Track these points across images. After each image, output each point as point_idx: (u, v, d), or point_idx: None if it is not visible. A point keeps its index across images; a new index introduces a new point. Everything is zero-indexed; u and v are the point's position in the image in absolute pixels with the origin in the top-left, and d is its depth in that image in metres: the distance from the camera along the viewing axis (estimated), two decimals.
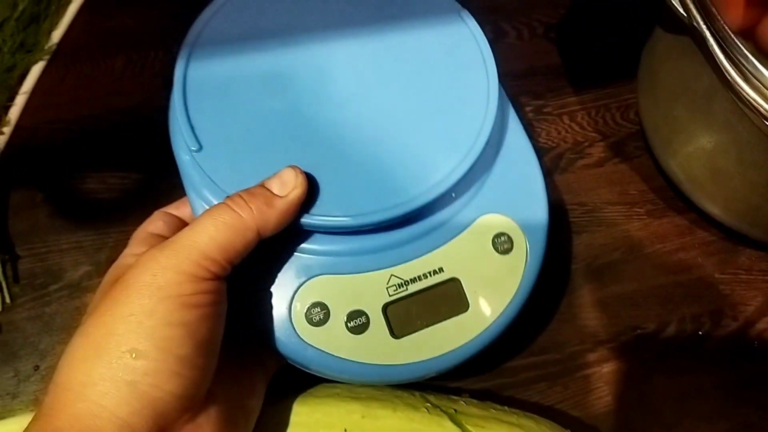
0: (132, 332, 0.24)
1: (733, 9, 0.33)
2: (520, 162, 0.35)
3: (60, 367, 0.25)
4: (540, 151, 0.40)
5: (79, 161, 0.46)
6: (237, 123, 0.31)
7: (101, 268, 0.43)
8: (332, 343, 0.30)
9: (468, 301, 0.32)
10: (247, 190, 0.28)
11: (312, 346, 0.30)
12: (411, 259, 0.31)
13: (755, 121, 0.31)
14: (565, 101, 0.49)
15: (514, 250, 0.32)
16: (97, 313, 0.25)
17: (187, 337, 0.25)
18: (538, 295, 0.33)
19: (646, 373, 0.41)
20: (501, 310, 0.32)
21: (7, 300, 0.42)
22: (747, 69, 0.30)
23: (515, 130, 0.36)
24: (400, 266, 0.31)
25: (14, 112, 0.47)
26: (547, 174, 0.46)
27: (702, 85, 0.35)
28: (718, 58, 0.31)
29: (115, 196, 0.45)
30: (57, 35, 0.49)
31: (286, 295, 0.30)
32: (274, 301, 0.31)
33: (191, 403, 0.25)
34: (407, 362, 0.31)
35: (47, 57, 0.49)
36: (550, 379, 0.41)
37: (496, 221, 0.33)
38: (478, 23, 0.35)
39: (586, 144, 0.47)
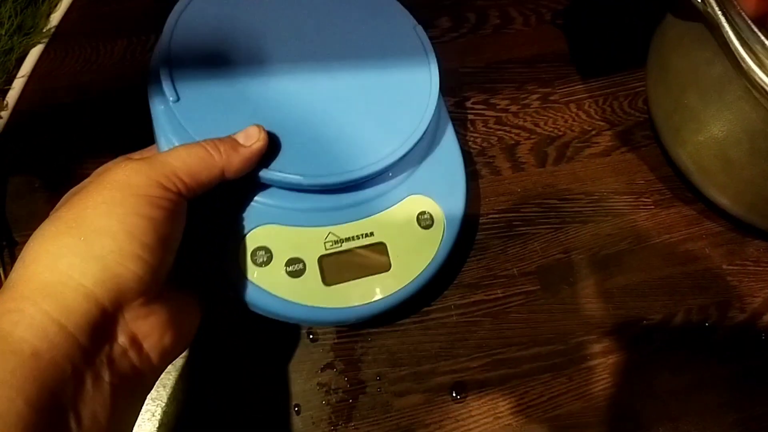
0: (103, 215, 0.27)
1: None
2: (448, 157, 0.41)
3: (29, 245, 0.27)
4: (466, 153, 0.42)
5: (78, 147, 0.45)
6: (213, 83, 0.36)
7: None
8: (271, 282, 0.35)
9: (391, 263, 0.37)
10: (217, 138, 0.32)
11: (254, 283, 0.35)
12: (348, 222, 0.37)
13: None
14: (572, 89, 0.48)
15: (433, 226, 0.39)
16: (68, 204, 0.28)
17: (151, 229, 0.27)
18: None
19: (652, 365, 0.41)
20: (417, 274, 0.38)
21: None
22: (763, 55, 0.29)
23: (448, 132, 0.42)
24: (337, 226, 0.37)
25: (12, 96, 0.46)
26: (554, 163, 0.46)
27: (715, 73, 0.34)
28: (733, 44, 0.30)
29: None
30: (56, 18, 0.48)
31: (237, 237, 0.35)
32: (226, 240, 0.35)
33: (148, 287, 0.27)
34: (334, 306, 0.36)
35: (46, 40, 0.48)
36: (554, 370, 0.40)
37: (423, 201, 0.39)
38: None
39: (594, 132, 0.47)
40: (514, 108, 0.47)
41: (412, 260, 0.38)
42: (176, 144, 0.34)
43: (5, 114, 0.45)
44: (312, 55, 0.38)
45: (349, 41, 0.40)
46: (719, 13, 0.31)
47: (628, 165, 0.46)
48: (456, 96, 0.47)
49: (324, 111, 0.37)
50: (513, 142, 0.46)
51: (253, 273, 0.35)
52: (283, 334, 0.40)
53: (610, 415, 0.39)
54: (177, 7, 0.38)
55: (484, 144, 0.46)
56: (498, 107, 0.47)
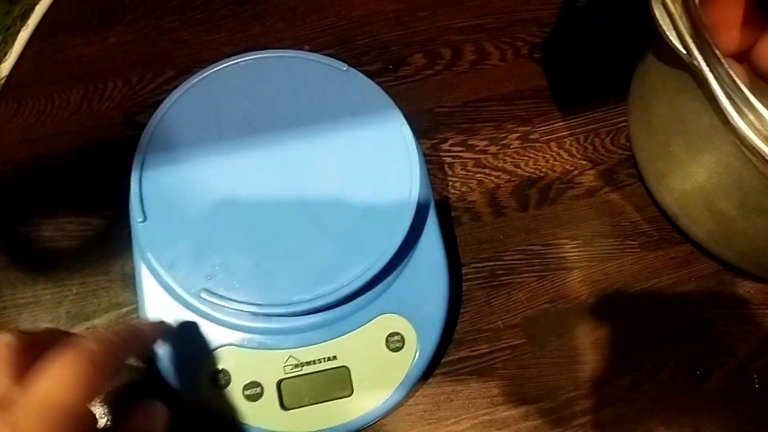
0: None
1: (727, 31, 0.32)
2: (428, 267, 0.38)
3: None
4: (449, 257, 0.39)
5: (33, 206, 0.43)
6: (180, 205, 0.36)
7: (61, 323, 0.40)
8: (229, 406, 0.35)
9: (353, 388, 0.36)
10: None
11: (211, 406, 0.35)
12: (309, 345, 0.36)
13: (760, 167, 0.29)
14: (552, 126, 0.46)
15: (404, 349, 0.37)
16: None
17: None
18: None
19: (643, 418, 0.39)
20: (381, 400, 0.36)
21: None
22: (754, 117, 0.28)
23: (431, 235, 0.39)
24: (298, 349, 0.36)
25: None
26: (536, 206, 0.44)
27: (702, 125, 0.33)
28: (720, 101, 0.29)
29: (75, 244, 0.42)
30: (6, 67, 0.46)
31: (196, 358, 0.36)
32: (185, 360, 0.36)
33: None
34: (292, 431, 0.35)
35: None
36: (544, 430, 0.38)
37: (393, 321, 0.37)
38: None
39: (576, 172, 0.45)
40: (493, 149, 0.45)
41: (376, 386, 0.36)
42: (146, 259, 0.36)
43: None
44: (286, 164, 0.37)
45: (327, 144, 0.38)
46: (706, 69, 0.29)
47: (612, 206, 0.44)
48: (432, 138, 0.45)
49: (291, 228, 0.36)
50: (493, 185, 0.44)
51: (212, 395, 0.35)
52: None
53: None
54: (149, 125, 0.38)
55: (464, 188, 0.44)
56: (477, 148, 0.45)
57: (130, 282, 0.40)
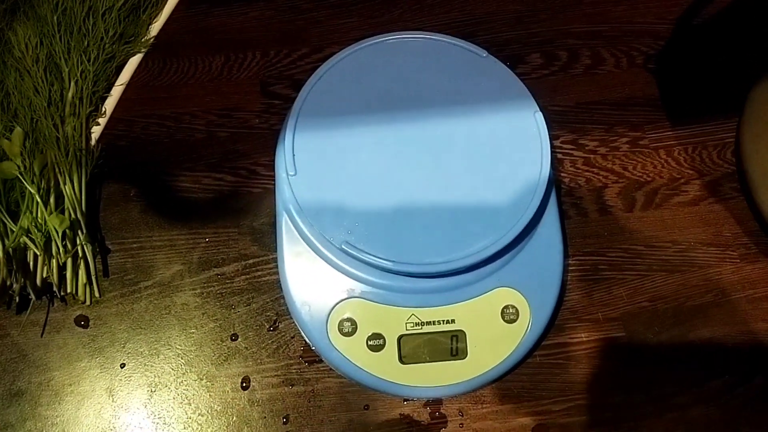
0: None
1: None
2: (547, 248, 0.41)
3: None
4: (567, 239, 0.42)
5: (173, 158, 0.46)
6: (328, 162, 0.39)
7: (193, 268, 0.43)
8: (353, 352, 0.38)
9: (467, 351, 0.38)
10: None
11: (337, 350, 0.38)
12: (431, 306, 0.39)
13: None
14: (662, 135, 0.48)
15: (518, 321, 0.39)
16: None
17: None
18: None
19: (732, 420, 0.40)
20: (492, 366, 0.38)
21: (96, 294, 0.42)
22: None
23: (551, 219, 0.41)
24: (421, 309, 0.39)
25: (110, 104, 0.47)
26: (642, 208, 0.46)
27: None
28: None
29: (209, 197, 0.45)
30: (155, 28, 0.49)
31: (327, 306, 0.39)
32: (317, 307, 0.39)
33: None
34: (406, 384, 0.38)
35: (145, 50, 0.49)
36: (635, 420, 0.40)
37: (510, 295, 0.39)
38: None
39: (682, 181, 0.47)
40: (602, 150, 0.47)
41: (490, 352, 0.38)
42: (290, 210, 0.39)
43: (103, 121, 0.46)
44: (425, 138, 0.40)
45: (464, 123, 0.40)
46: None
47: (715, 216, 0.46)
48: None
49: (426, 195, 0.38)
50: (601, 184, 0.46)
51: (338, 340, 0.38)
52: None
53: None
54: (302, 92, 0.41)
55: (572, 185, 0.46)
56: (587, 148, 0.47)
57: (257, 236, 0.43)
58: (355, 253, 0.36)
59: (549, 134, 0.40)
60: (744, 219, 0.46)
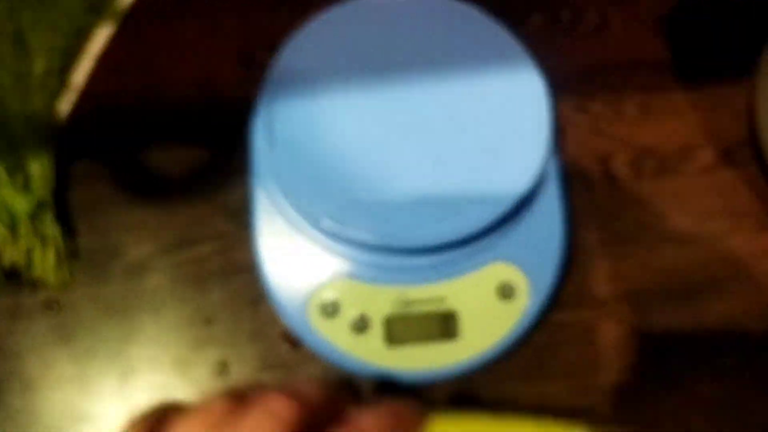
0: None
1: None
2: (547, 219, 0.37)
3: None
4: (570, 210, 0.39)
5: (145, 132, 0.43)
6: (306, 135, 0.36)
7: (166, 248, 0.40)
8: (335, 335, 0.35)
9: (458, 332, 0.35)
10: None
11: (318, 332, 0.35)
12: (420, 284, 0.36)
13: None
14: (671, 99, 0.44)
15: (514, 299, 0.36)
16: None
17: None
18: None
19: (746, 398, 0.38)
20: (486, 347, 0.35)
21: (66, 277, 0.40)
22: None
23: (552, 188, 0.38)
24: (409, 287, 0.36)
25: (80, 77, 0.44)
26: (651, 177, 0.42)
27: None
28: None
29: (183, 172, 0.42)
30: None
31: (308, 285, 0.36)
32: (297, 287, 0.36)
33: None
34: (395, 367, 0.35)
35: (117, 19, 0.46)
36: (643, 399, 0.38)
37: (506, 270, 0.36)
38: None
39: (692, 148, 0.43)
40: (609, 115, 0.44)
41: (484, 333, 0.36)
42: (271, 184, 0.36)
43: (72, 95, 0.44)
44: (414, 105, 0.37)
45: (457, 87, 0.37)
46: None
47: (728, 185, 0.43)
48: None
49: (415, 165, 0.35)
50: (607, 152, 0.43)
51: (319, 324, 0.35)
52: None
53: None
54: (278, 59, 0.38)
55: (576, 152, 0.43)
56: (592, 113, 0.44)
57: (233, 214, 0.41)
58: (337, 228, 0.33)
59: (550, 98, 0.37)
60: (759, 187, 0.43)
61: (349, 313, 0.35)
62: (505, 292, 0.36)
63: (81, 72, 0.44)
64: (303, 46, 0.38)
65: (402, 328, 0.35)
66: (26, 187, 0.40)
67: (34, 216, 0.39)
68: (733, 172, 0.43)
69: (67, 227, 0.41)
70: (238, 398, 0.23)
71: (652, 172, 0.42)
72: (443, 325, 0.35)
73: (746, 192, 0.43)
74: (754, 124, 0.42)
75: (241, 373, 0.38)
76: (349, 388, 0.36)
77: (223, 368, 0.37)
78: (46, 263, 0.39)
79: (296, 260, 0.36)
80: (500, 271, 0.36)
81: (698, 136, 0.44)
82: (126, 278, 0.40)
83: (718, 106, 0.45)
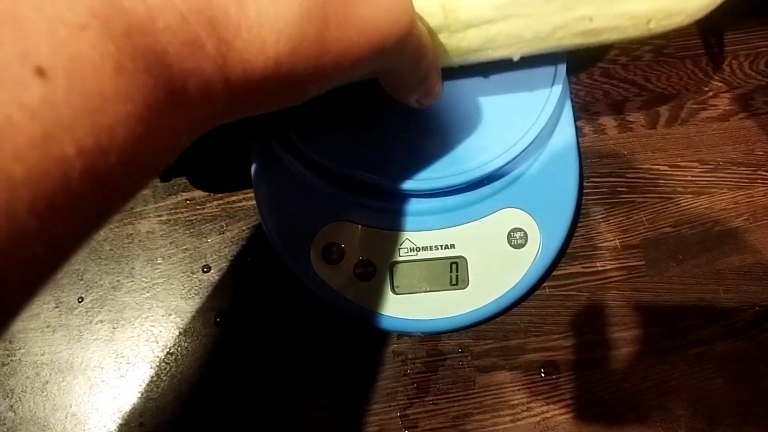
0: None
1: None
2: (560, 165, 0.35)
3: None
4: (582, 158, 0.37)
5: None
6: None
7: (157, 192, 0.38)
8: (339, 282, 0.33)
9: (468, 280, 0.34)
10: None
11: (321, 279, 0.33)
12: (428, 229, 0.34)
13: None
14: (689, 43, 0.42)
15: (526, 246, 0.34)
16: None
17: None
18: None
19: (761, 356, 0.36)
20: (496, 297, 0.34)
21: None
22: None
23: (565, 133, 0.36)
24: (416, 233, 0.34)
25: None
26: (666, 124, 0.41)
27: None
28: None
29: None
30: None
31: (310, 230, 0.33)
32: (298, 232, 0.33)
33: None
34: (400, 316, 0.33)
35: None
36: (656, 355, 0.36)
37: (518, 216, 0.34)
38: None
39: (711, 94, 0.42)
40: (623, 59, 0.42)
41: (494, 281, 0.34)
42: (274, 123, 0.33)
43: None
44: None
45: None
46: None
47: (746, 133, 0.41)
48: None
49: (425, 109, 0.33)
50: (621, 98, 0.41)
51: (322, 268, 0.33)
52: None
53: (716, 408, 0.35)
54: None
55: (588, 98, 0.41)
56: (605, 57, 0.42)
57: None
58: (340, 169, 0.31)
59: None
60: None
61: (353, 259, 0.33)
62: (516, 239, 0.34)
63: None
64: None
65: (408, 276, 0.33)
66: None
67: None
68: (751, 120, 0.41)
69: None
70: None
71: (666, 119, 0.41)
72: (452, 273, 0.34)
73: (765, 141, 0.41)
74: None
75: (239, 323, 0.36)
76: None
77: (220, 319, 0.36)
78: None
79: (298, 203, 0.34)
80: (511, 217, 0.34)
81: (715, 82, 0.42)
82: (116, 223, 0.37)
83: (736, 50, 0.43)
